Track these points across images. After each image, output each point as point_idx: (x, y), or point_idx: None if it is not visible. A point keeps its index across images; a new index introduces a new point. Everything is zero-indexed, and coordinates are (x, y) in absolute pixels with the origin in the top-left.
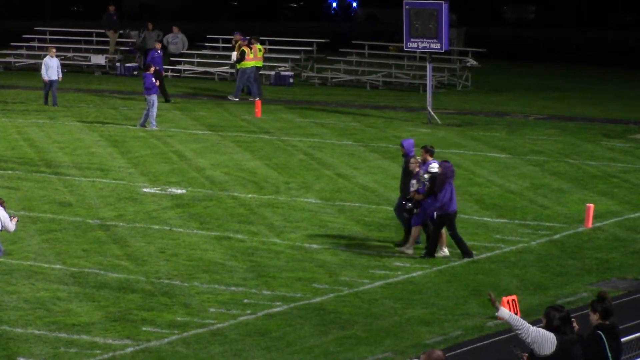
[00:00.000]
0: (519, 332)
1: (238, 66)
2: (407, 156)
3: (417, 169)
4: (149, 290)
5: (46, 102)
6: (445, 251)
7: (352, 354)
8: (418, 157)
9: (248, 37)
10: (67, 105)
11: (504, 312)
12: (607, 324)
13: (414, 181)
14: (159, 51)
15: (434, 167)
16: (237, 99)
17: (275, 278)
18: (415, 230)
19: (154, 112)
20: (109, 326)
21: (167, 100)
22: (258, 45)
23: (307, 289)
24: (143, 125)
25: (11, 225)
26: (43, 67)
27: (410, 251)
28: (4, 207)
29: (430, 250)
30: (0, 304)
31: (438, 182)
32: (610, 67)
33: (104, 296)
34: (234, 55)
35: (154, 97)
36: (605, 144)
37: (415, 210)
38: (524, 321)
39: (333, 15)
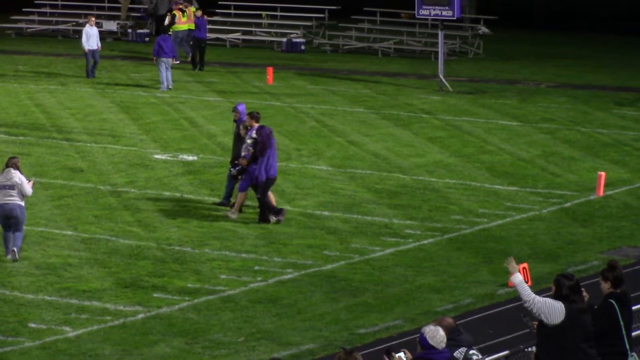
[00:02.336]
0: (525, 302)
1: (170, 30)
2: (239, 121)
3: (244, 135)
4: (160, 256)
5: (90, 74)
6: (233, 215)
7: (362, 321)
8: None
9: (182, 2)
10: (78, 71)
11: (517, 278)
12: (619, 292)
13: (243, 145)
14: (200, 17)
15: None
16: (177, 61)
17: (286, 245)
18: (240, 196)
19: (170, 74)
20: (120, 292)
21: (201, 68)
22: (192, 8)
23: (318, 256)
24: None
25: (28, 188)
26: (84, 36)
27: (233, 216)
28: (20, 169)
29: (264, 215)
30: (11, 270)
31: (259, 148)
32: (623, 35)
33: (115, 262)
34: (167, 19)
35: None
36: (617, 112)
37: (240, 177)
38: (530, 291)
39: None
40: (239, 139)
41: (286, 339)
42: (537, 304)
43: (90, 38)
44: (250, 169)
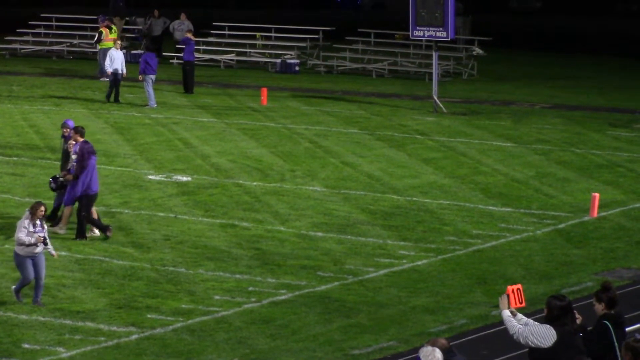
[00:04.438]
0: (512, 335)
1: (99, 46)
2: (68, 137)
3: (71, 150)
4: (154, 277)
5: (109, 99)
6: (96, 232)
7: (356, 342)
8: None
9: (106, 18)
10: (72, 92)
11: (504, 314)
12: (613, 313)
13: (69, 162)
14: (185, 39)
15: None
16: (106, 79)
17: (280, 266)
18: (66, 210)
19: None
20: (113, 313)
21: (191, 91)
22: (112, 26)
23: (312, 277)
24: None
25: (17, 233)
26: (108, 60)
27: (62, 231)
28: (26, 213)
29: (81, 231)
30: (5, 290)
31: (77, 164)
32: (617, 57)
33: (108, 283)
34: (96, 36)
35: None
36: (611, 133)
37: (58, 191)
38: (516, 324)
39: (339, 3)
40: (67, 155)
41: None
42: (523, 335)
43: (115, 61)
44: (73, 184)
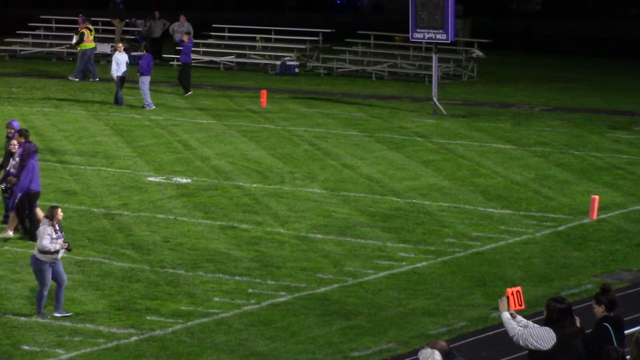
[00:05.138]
0: (512, 337)
1: (78, 48)
2: (13, 137)
3: (15, 151)
4: (154, 279)
5: (121, 102)
6: (10, 233)
7: (356, 344)
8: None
9: (87, 19)
10: (72, 94)
11: (504, 316)
12: (612, 315)
13: (13, 162)
14: (180, 40)
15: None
16: (77, 79)
17: (280, 268)
18: (12, 214)
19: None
20: (113, 315)
21: (186, 91)
22: (90, 27)
23: (312, 279)
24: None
25: (40, 240)
26: (114, 64)
27: (10, 233)
28: (44, 219)
29: (27, 230)
30: (5, 292)
31: (19, 163)
32: (616, 59)
33: (108, 285)
34: (75, 37)
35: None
36: (611, 135)
37: (7, 194)
38: (515, 326)
39: (339, 5)
40: (9, 155)
41: None
42: (522, 337)
43: (121, 65)
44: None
